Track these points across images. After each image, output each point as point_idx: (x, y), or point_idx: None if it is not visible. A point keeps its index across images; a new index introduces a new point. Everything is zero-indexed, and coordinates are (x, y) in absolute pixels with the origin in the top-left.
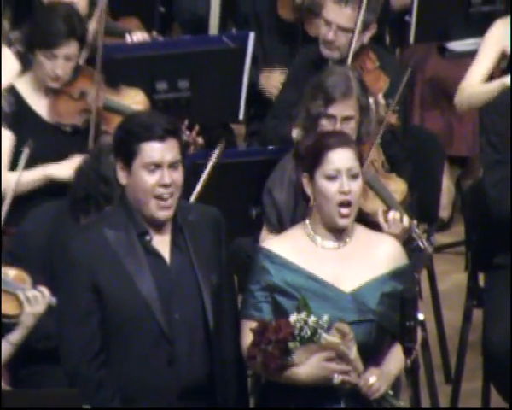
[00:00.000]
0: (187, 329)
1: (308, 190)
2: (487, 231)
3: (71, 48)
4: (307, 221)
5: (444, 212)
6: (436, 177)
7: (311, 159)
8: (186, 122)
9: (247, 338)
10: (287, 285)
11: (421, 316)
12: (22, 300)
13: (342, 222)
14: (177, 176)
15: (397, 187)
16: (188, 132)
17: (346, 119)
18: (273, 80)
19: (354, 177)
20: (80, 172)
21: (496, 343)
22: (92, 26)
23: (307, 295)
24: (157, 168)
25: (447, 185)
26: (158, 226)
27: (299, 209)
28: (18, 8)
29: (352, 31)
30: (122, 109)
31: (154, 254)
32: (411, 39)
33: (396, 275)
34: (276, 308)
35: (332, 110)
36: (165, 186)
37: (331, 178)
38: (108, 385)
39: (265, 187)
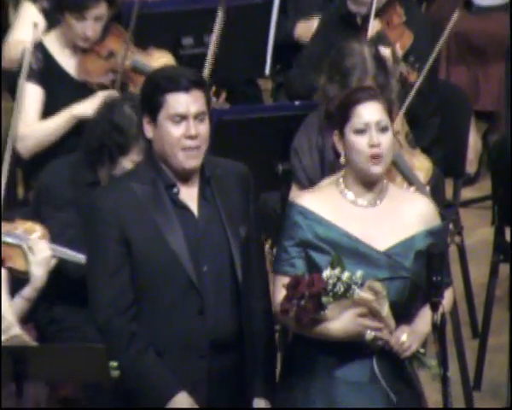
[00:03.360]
0: (215, 281)
1: (339, 147)
2: None
3: (100, 9)
4: (340, 178)
5: (470, 166)
6: (462, 132)
7: (340, 115)
8: (213, 89)
9: (280, 294)
10: (319, 240)
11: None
12: (26, 251)
13: (374, 169)
14: (204, 128)
15: (421, 165)
16: (215, 99)
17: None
18: (311, 29)
19: (384, 130)
20: (93, 122)
21: None
22: None
23: (340, 251)
24: (182, 120)
25: (474, 140)
26: (185, 179)
27: (326, 174)
28: None
29: None
30: (150, 71)
31: (182, 207)
32: None
33: (430, 234)
34: (310, 264)
35: None
36: (191, 138)
37: (360, 131)
38: (141, 337)
39: (292, 148)
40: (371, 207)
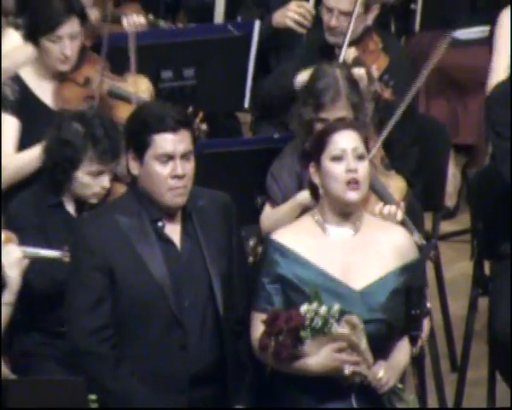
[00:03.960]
0: (197, 315)
1: (316, 179)
2: (493, 220)
3: (73, 25)
4: (315, 210)
5: (449, 200)
6: (442, 165)
7: (317, 144)
8: (190, 109)
9: (258, 330)
10: (297, 280)
11: (427, 305)
12: None
13: (351, 195)
14: (190, 167)
15: (396, 185)
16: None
17: (339, 120)
18: (288, 12)
19: (360, 157)
20: (45, 145)
21: (501, 332)
22: (94, 13)
23: (318, 289)
24: (169, 159)
25: (453, 173)
26: (169, 214)
27: None
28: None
29: (353, 14)
30: (127, 96)
31: (166, 241)
32: (417, 27)
33: (406, 270)
34: (288, 302)
35: (323, 115)
36: (178, 177)
37: (337, 158)
38: (126, 363)
39: (270, 173)
40: (348, 238)
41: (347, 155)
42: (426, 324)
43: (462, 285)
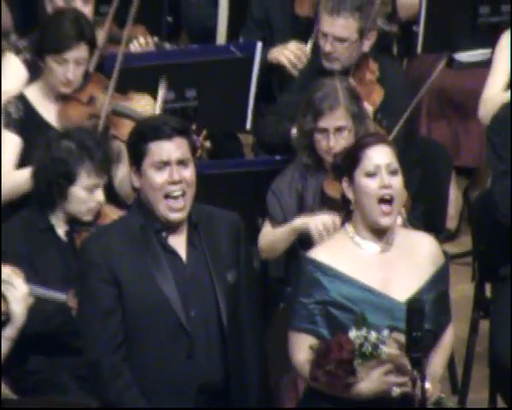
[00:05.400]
0: (203, 326)
1: (349, 194)
2: (494, 242)
3: (81, 51)
4: (348, 226)
5: (451, 222)
6: (443, 187)
7: (350, 160)
8: (194, 126)
9: (302, 353)
10: (342, 298)
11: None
12: (3, 291)
13: (384, 221)
14: (188, 173)
15: None
16: (195, 136)
17: (338, 130)
18: (286, 50)
19: (394, 173)
20: (36, 167)
21: (502, 354)
22: (98, 34)
23: (362, 306)
24: (166, 166)
25: (454, 196)
26: (173, 226)
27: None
28: (24, 18)
29: (348, 40)
30: (130, 114)
31: (171, 252)
32: (419, 49)
33: (438, 275)
34: (331, 321)
35: (322, 123)
36: (175, 183)
37: (371, 174)
38: (127, 375)
39: (270, 190)
40: (384, 253)
41: (381, 170)
42: (451, 330)
43: (464, 307)
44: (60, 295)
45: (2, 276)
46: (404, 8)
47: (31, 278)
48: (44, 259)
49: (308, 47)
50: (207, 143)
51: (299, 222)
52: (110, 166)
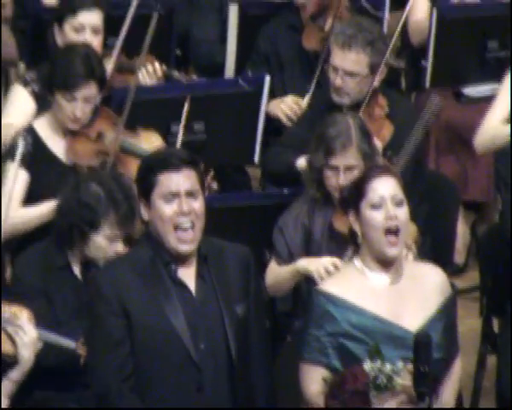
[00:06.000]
0: (212, 359)
1: (356, 228)
2: (502, 277)
3: (90, 89)
4: (355, 259)
5: (459, 257)
6: (451, 222)
7: (356, 192)
8: (202, 166)
9: (314, 384)
10: (354, 329)
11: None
12: (12, 334)
13: (391, 252)
14: (197, 205)
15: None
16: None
17: (349, 168)
18: (282, 104)
19: (399, 204)
20: (61, 204)
21: (509, 390)
22: (106, 65)
23: (374, 336)
24: (174, 198)
25: (462, 230)
26: (182, 258)
27: (312, 254)
28: (33, 49)
29: (358, 75)
30: (139, 152)
31: (180, 284)
32: (427, 84)
33: (446, 305)
34: (342, 353)
35: (333, 161)
36: (184, 214)
37: (376, 206)
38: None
39: (276, 226)
40: (393, 285)
41: (386, 202)
42: (458, 362)
43: (471, 342)
44: (69, 342)
45: (14, 318)
46: (416, 31)
47: (45, 314)
48: (60, 296)
49: (305, 101)
50: (214, 185)
51: (301, 265)
52: (134, 220)
